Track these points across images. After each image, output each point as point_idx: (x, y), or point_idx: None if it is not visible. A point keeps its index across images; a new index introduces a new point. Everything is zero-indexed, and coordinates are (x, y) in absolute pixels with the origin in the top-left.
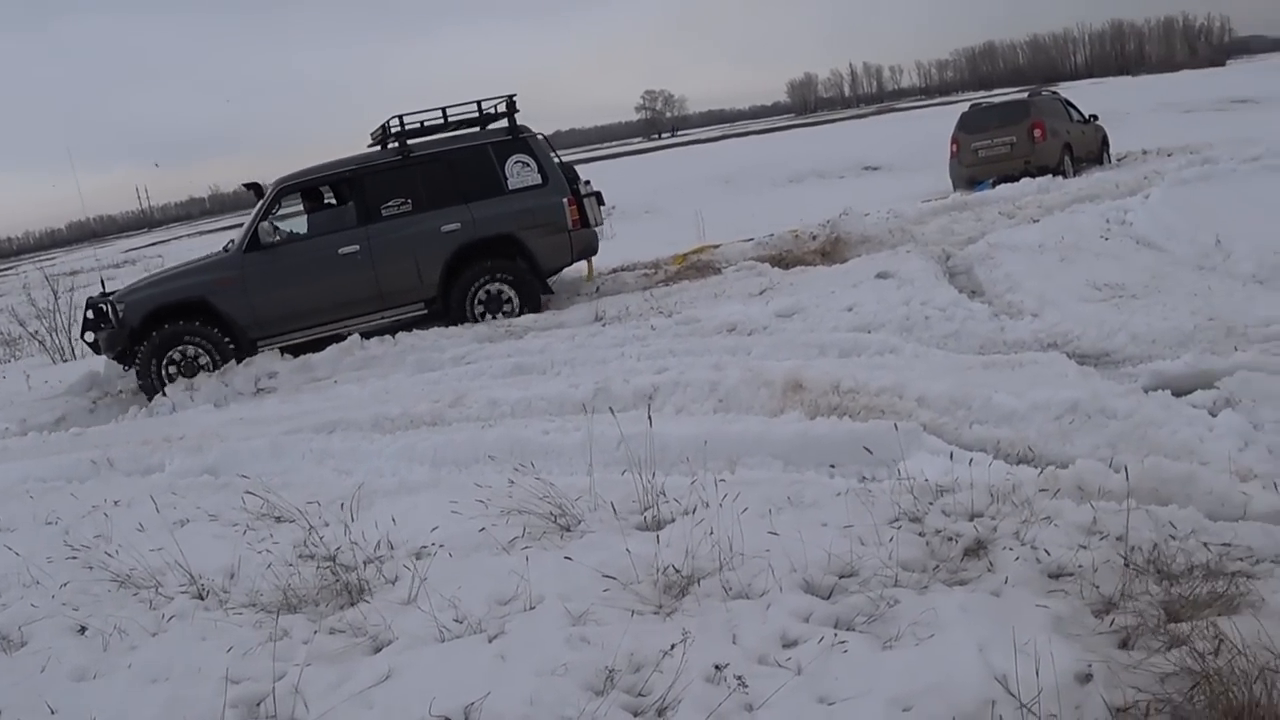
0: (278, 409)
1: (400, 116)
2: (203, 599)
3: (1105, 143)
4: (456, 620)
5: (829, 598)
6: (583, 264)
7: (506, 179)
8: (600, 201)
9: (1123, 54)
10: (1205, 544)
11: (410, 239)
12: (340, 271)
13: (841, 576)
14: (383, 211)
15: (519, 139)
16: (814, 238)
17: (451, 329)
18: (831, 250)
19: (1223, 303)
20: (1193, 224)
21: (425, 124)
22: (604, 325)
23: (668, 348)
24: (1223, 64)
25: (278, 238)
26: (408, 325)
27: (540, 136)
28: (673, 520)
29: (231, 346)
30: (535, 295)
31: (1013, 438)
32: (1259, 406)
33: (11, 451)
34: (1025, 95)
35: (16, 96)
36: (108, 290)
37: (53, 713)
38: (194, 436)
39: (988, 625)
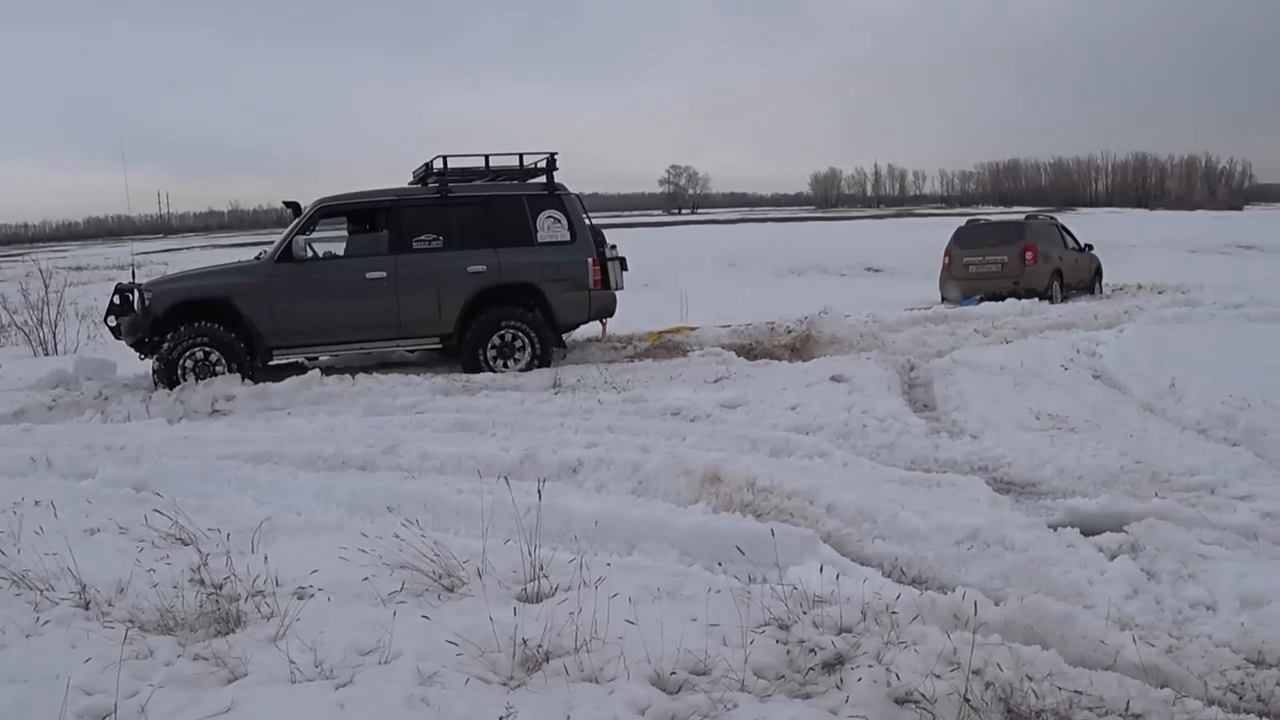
0: (223, 433)
1: (444, 157)
2: (86, 608)
3: (1098, 272)
4: (313, 664)
5: (675, 693)
6: (603, 324)
7: (537, 231)
8: (624, 267)
9: (1143, 186)
10: (1059, 688)
11: (436, 274)
12: (365, 295)
13: (693, 673)
14: (414, 244)
15: (554, 195)
16: (789, 332)
17: (411, 376)
18: (801, 347)
19: (1156, 447)
20: (1154, 364)
21: (468, 169)
22: (557, 393)
23: (607, 424)
24: (1240, 208)
25: (310, 253)
26: (425, 360)
27: (575, 196)
28: (551, 595)
29: (246, 354)
30: (549, 347)
31: (910, 557)
32: (1159, 556)
33: None
34: (1022, 217)
35: (55, 88)
36: (137, 279)
37: None
38: (134, 448)
39: None
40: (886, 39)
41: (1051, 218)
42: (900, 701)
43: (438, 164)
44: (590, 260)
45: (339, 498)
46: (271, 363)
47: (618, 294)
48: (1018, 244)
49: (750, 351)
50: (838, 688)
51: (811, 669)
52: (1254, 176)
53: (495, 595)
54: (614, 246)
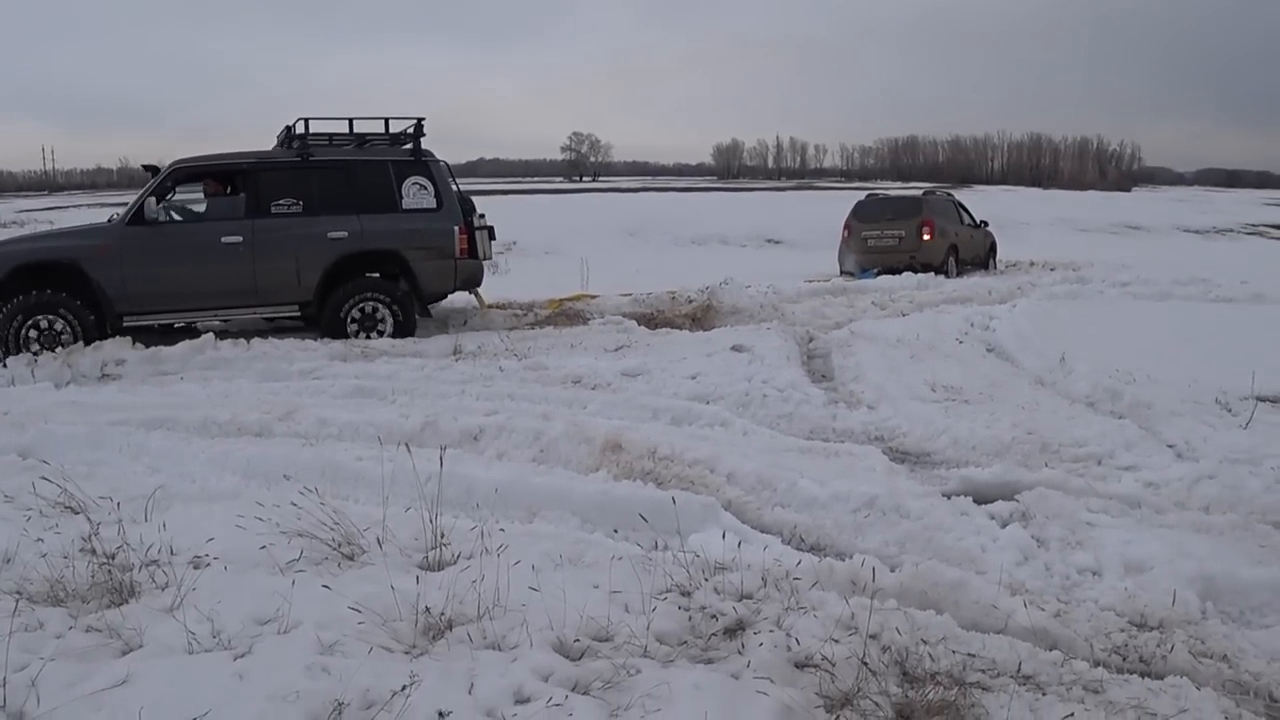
0: (114, 398)
1: (305, 120)
2: None
3: (993, 249)
4: (211, 634)
5: (578, 660)
6: (476, 294)
7: (402, 198)
8: (492, 236)
9: (1037, 166)
10: (954, 651)
11: (295, 239)
12: (220, 260)
13: (595, 640)
14: (272, 208)
15: (421, 161)
16: (689, 301)
17: (308, 341)
18: (702, 317)
19: (1046, 418)
20: (1045, 338)
21: (340, 135)
22: (458, 360)
23: (508, 391)
24: (1128, 189)
25: (163, 216)
26: (286, 328)
27: (442, 163)
28: (453, 562)
29: (95, 322)
30: (411, 318)
31: (809, 524)
32: (1049, 524)
33: None
34: (920, 193)
35: None
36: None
37: None
38: (19, 414)
39: (716, 706)
40: (791, 13)
41: (949, 194)
42: (800, 665)
43: (300, 127)
44: (457, 228)
45: (234, 465)
46: (122, 329)
47: (486, 264)
48: (915, 219)
49: (651, 320)
50: (739, 653)
51: (713, 635)
52: (1142, 159)
53: (396, 564)
54: (482, 215)
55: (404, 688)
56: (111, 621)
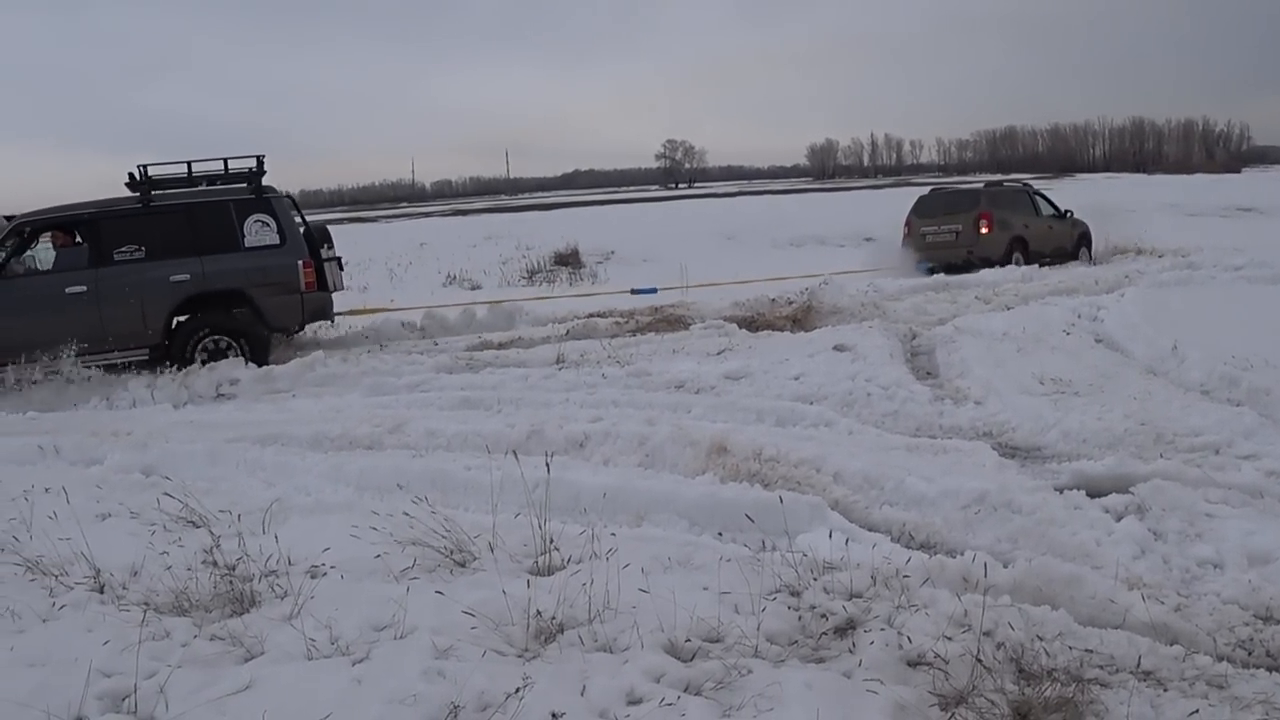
0: (229, 416)
1: (143, 166)
2: (101, 592)
3: (1084, 239)
4: (329, 641)
5: (689, 661)
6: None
7: (244, 236)
8: (340, 267)
9: (1141, 151)
10: (1070, 647)
11: (138, 284)
12: (66, 309)
13: (706, 641)
14: (115, 256)
15: (262, 199)
16: (789, 303)
17: (415, 356)
18: (803, 318)
19: (1159, 409)
20: (1156, 327)
21: (197, 176)
22: (561, 369)
23: (612, 398)
24: (1238, 171)
25: (8, 270)
26: (110, 368)
27: (285, 197)
28: (562, 567)
29: None
30: (261, 348)
31: (918, 522)
32: (1166, 516)
33: None
34: (982, 185)
35: (41, 75)
36: None
37: None
38: (141, 434)
39: (828, 706)
40: (882, 7)
41: (1025, 184)
42: (913, 664)
43: (147, 172)
44: (301, 263)
45: (347, 477)
46: None
47: (336, 295)
48: (972, 212)
49: (752, 323)
50: (850, 651)
51: (824, 634)
52: (1252, 138)
53: (507, 569)
54: (332, 247)
55: (517, 690)
56: (234, 630)
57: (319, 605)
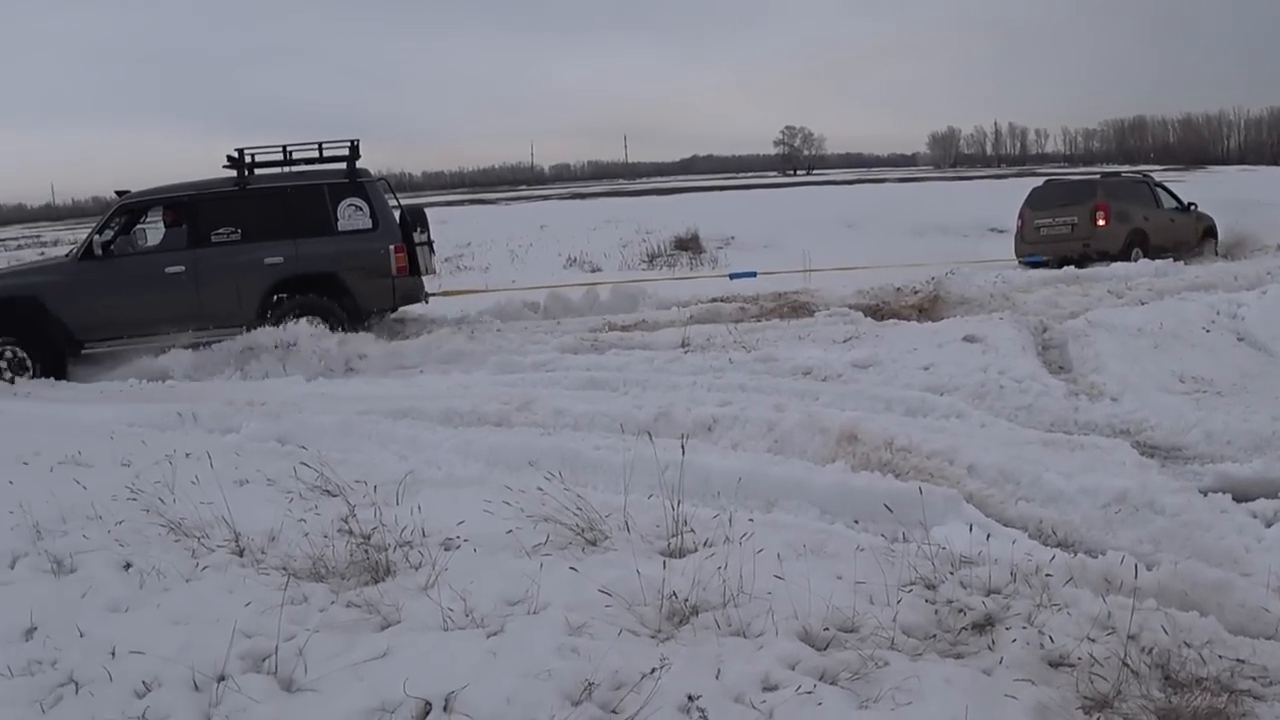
0: (360, 389)
1: (242, 150)
2: (241, 556)
3: (1210, 233)
4: (464, 613)
5: (824, 649)
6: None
7: (337, 220)
8: (433, 250)
9: (1278, 143)
10: (1220, 656)
11: (234, 266)
12: (166, 289)
13: (841, 630)
14: (213, 237)
15: (355, 183)
16: (915, 292)
17: (540, 336)
18: (929, 307)
19: None
20: None
21: (292, 155)
22: (687, 352)
23: (739, 382)
24: None
25: (112, 250)
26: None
27: (379, 182)
28: (694, 550)
29: (52, 351)
30: (352, 330)
31: (1055, 519)
32: None
33: (109, 395)
34: (1099, 175)
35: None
36: None
37: (80, 635)
38: (275, 404)
39: (969, 702)
40: None
41: (1144, 175)
42: (1055, 664)
43: (251, 156)
44: (393, 248)
45: (477, 452)
46: (81, 356)
47: (429, 279)
48: (1088, 204)
49: (877, 311)
50: (990, 649)
51: (962, 629)
52: None
53: (638, 549)
54: (426, 231)
55: (653, 670)
56: (370, 598)
57: (453, 577)
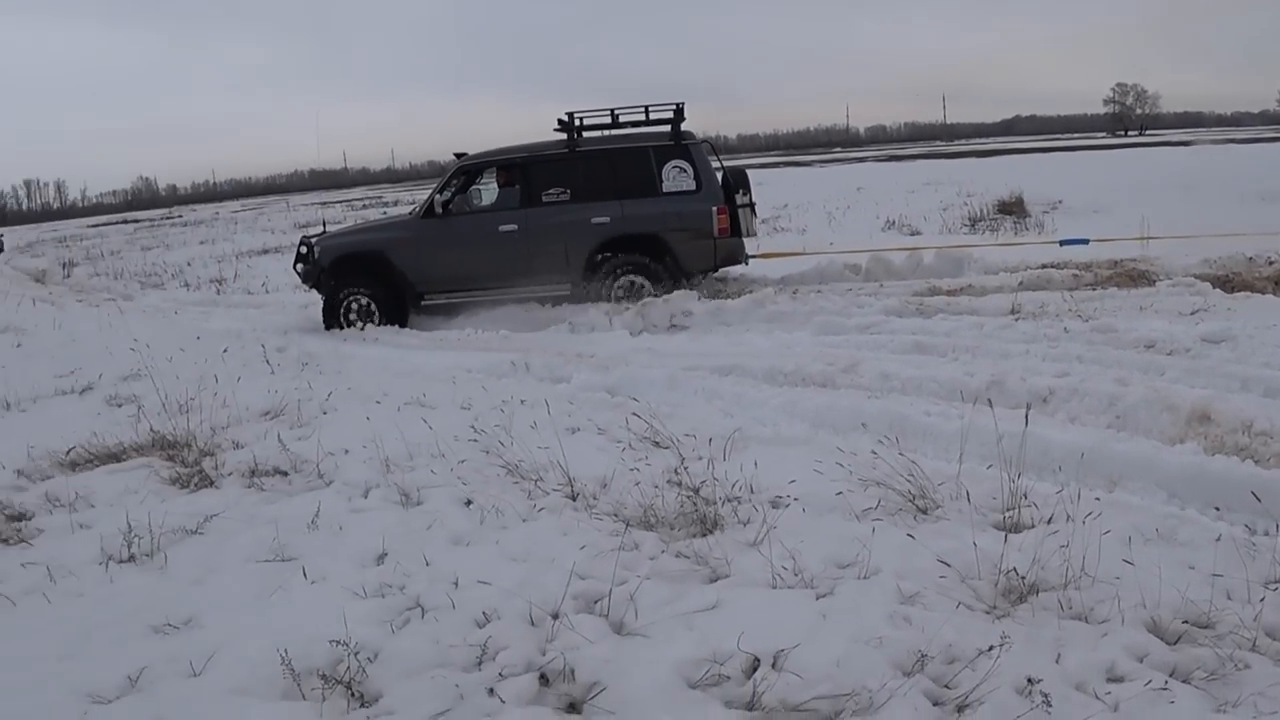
0: (684, 345)
1: (572, 114)
2: (574, 500)
3: None
4: (793, 572)
5: (1174, 644)
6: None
7: (662, 181)
8: (754, 213)
9: None
10: None
11: (563, 226)
12: (499, 246)
13: (1194, 625)
14: (543, 197)
15: (680, 145)
16: (1270, 263)
17: (864, 298)
18: None
19: None
20: None
21: (619, 119)
22: (1018, 319)
23: (1075, 353)
24: None
25: (451, 209)
26: (556, 302)
27: (703, 144)
28: (1031, 526)
29: (396, 302)
30: (671, 290)
31: None
32: None
33: (448, 343)
34: None
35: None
36: (319, 232)
37: (427, 564)
38: (603, 357)
39: None
40: None
41: None
42: None
43: (579, 119)
44: (715, 209)
45: (803, 413)
46: (421, 307)
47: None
48: None
49: (1227, 283)
50: None
51: None
52: None
53: (971, 521)
54: (748, 193)
55: (990, 648)
56: (699, 550)
57: (782, 535)
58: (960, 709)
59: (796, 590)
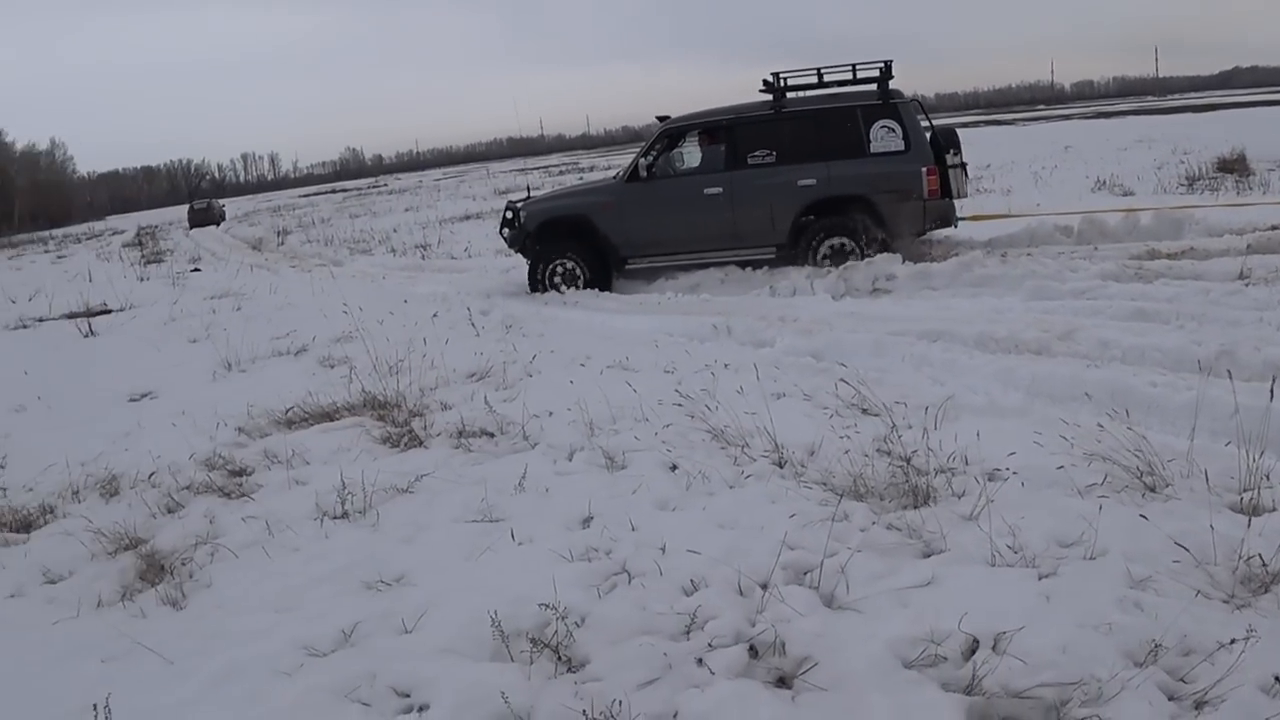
0: (888, 310)
1: (777, 74)
2: (781, 467)
3: None
4: (1012, 549)
5: None
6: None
7: (870, 142)
8: (966, 174)
9: None
10: None
11: (768, 188)
12: (703, 209)
13: None
14: (749, 160)
15: (888, 104)
16: None
17: (1078, 262)
18: None
19: None
20: None
21: (825, 78)
22: (1248, 285)
23: None
24: None
25: (655, 172)
26: (756, 266)
27: (912, 102)
28: (1272, 509)
29: (601, 265)
30: (879, 252)
31: None
32: None
33: (648, 306)
34: None
35: None
36: (524, 197)
37: (633, 529)
38: (806, 321)
39: None
40: None
41: None
42: None
43: (783, 80)
44: (925, 170)
45: (1017, 381)
46: (624, 271)
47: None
48: None
49: None
50: None
51: None
52: None
53: (1205, 502)
54: (959, 152)
55: (1232, 641)
56: (911, 522)
57: (1000, 510)
58: (1199, 705)
59: (1017, 569)
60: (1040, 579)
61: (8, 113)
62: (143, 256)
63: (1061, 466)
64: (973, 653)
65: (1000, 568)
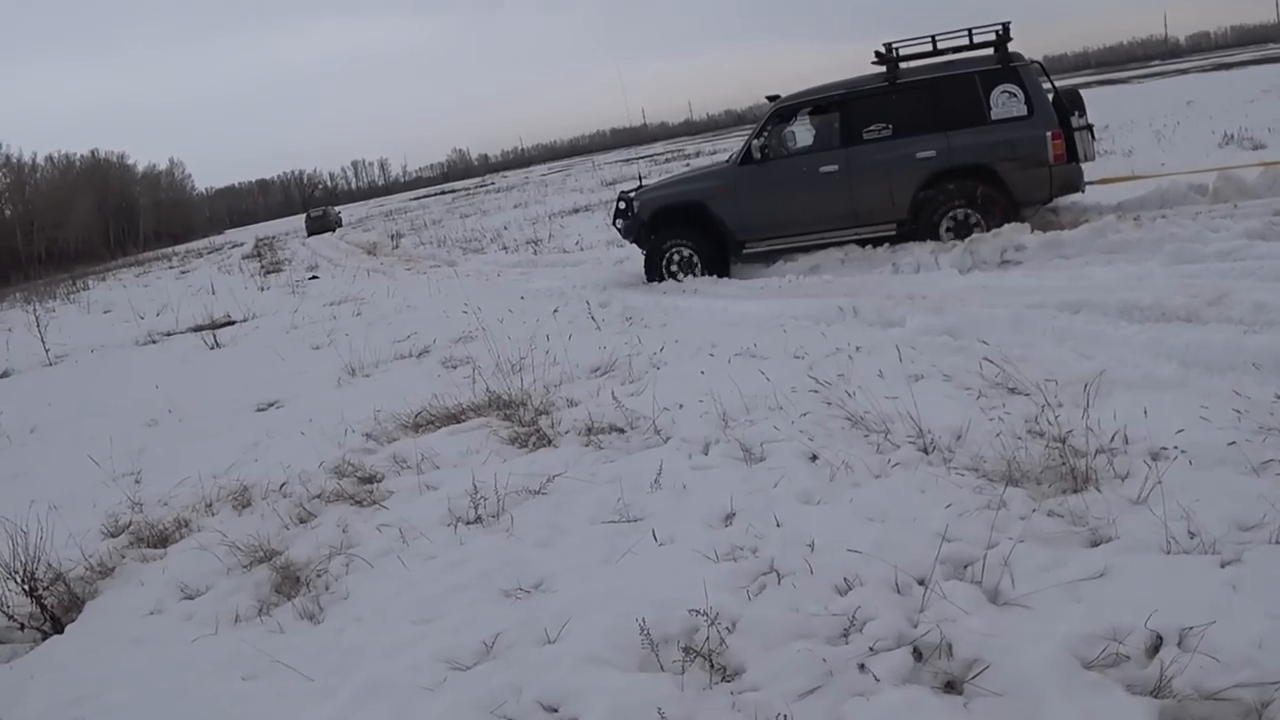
0: (1020, 281)
1: (889, 44)
2: (927, 454)
3: None
4: (1188, 534)
5: None
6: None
7: (990, 109)
8: (1093, 136)
9: None
10: None
11: (886, 163)
12: (820, 188)
13: None
14: (864, 135)
15: (1009, 68)
16: None
17: (1220, 221)
18: None
19: None
20: None
21: (940, 45)
22: None
23: None
24: None
25: (769, 153)
26: (876, 243)
27: (1033, 65)
28: None
29: (718, 251)
30: (1002, 221)
31: None
32: None
33: (769, 291)
34: None
35: None
36: (636, 187)
37: (778, 525)
38: (935, 298)
39: None
40: None
41: None
42: None
43: (896, 50)
44: (1049, 135)
45: (1170, 351)
46: (742, 255)
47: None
48: None
49: None
50: None
51: None
52: None
53: None
54: (1083, 114)
55: None
56: (1073, 508)
57: (1169, 492)
58: None
59: (1195, 556)
60: (1223, 566)
61: (130, 136)
62: (262, 267)
63: (1233, 442)
64: (1156, 650)
65: (1177, 555)
